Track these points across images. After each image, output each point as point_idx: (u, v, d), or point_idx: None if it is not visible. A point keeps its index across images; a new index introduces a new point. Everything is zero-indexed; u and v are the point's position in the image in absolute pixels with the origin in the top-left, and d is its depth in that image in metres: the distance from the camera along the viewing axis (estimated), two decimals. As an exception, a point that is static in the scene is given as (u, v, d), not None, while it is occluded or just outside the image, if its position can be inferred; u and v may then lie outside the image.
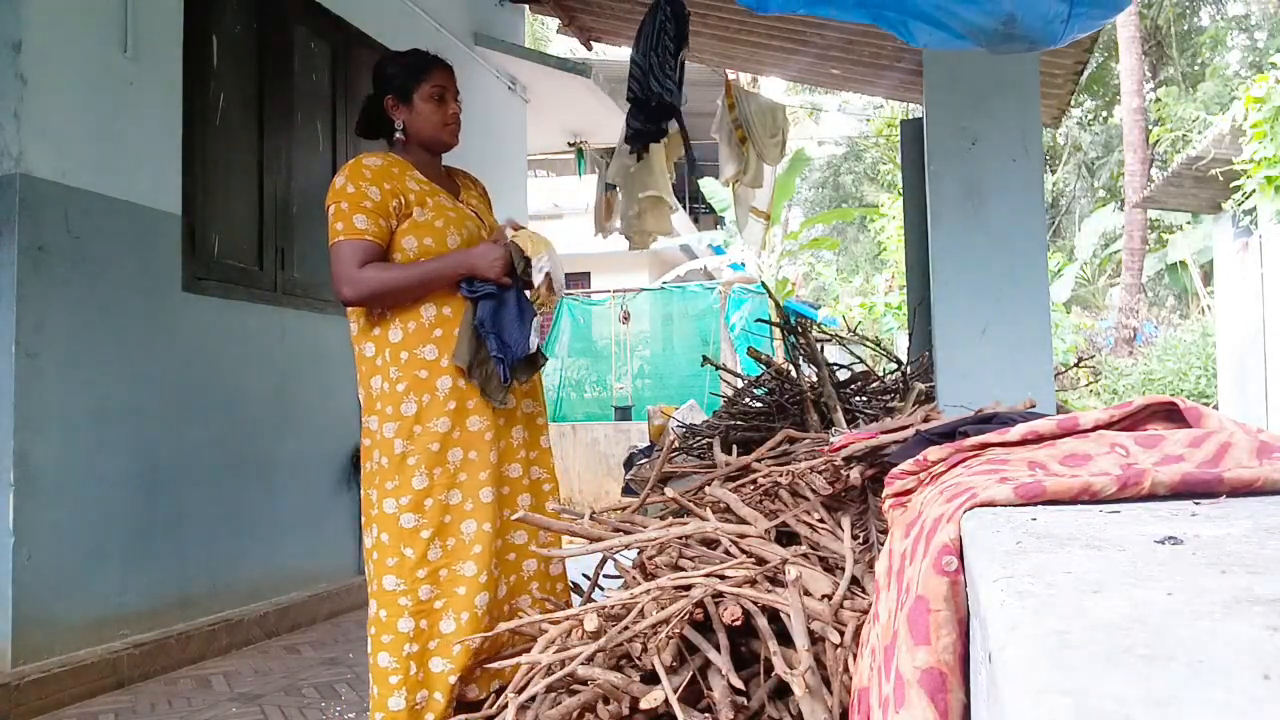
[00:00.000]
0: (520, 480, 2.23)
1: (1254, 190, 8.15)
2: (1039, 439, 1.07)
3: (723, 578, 1.39)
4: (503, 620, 2.14)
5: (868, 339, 4.43)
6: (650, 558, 1.64)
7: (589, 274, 14.76)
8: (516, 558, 2.23)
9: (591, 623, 1.36)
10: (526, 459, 2.27)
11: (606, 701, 1.38)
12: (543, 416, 2.36)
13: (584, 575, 2.09)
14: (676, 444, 3.29)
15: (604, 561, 1.82)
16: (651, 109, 3.77)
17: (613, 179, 5.25)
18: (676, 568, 1.59)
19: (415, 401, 2.07)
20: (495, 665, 1.59)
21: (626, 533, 1.75)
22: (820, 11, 1.89)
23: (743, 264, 13.15)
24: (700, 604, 1.34)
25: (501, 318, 2.12)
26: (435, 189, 2.21)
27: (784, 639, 1.33)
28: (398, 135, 2.25)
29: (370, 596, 2.12)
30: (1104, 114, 21.08)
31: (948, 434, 1.40)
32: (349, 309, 2.17)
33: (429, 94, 2.22)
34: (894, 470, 1.24)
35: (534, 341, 2.15)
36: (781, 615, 1.33)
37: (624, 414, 9.48)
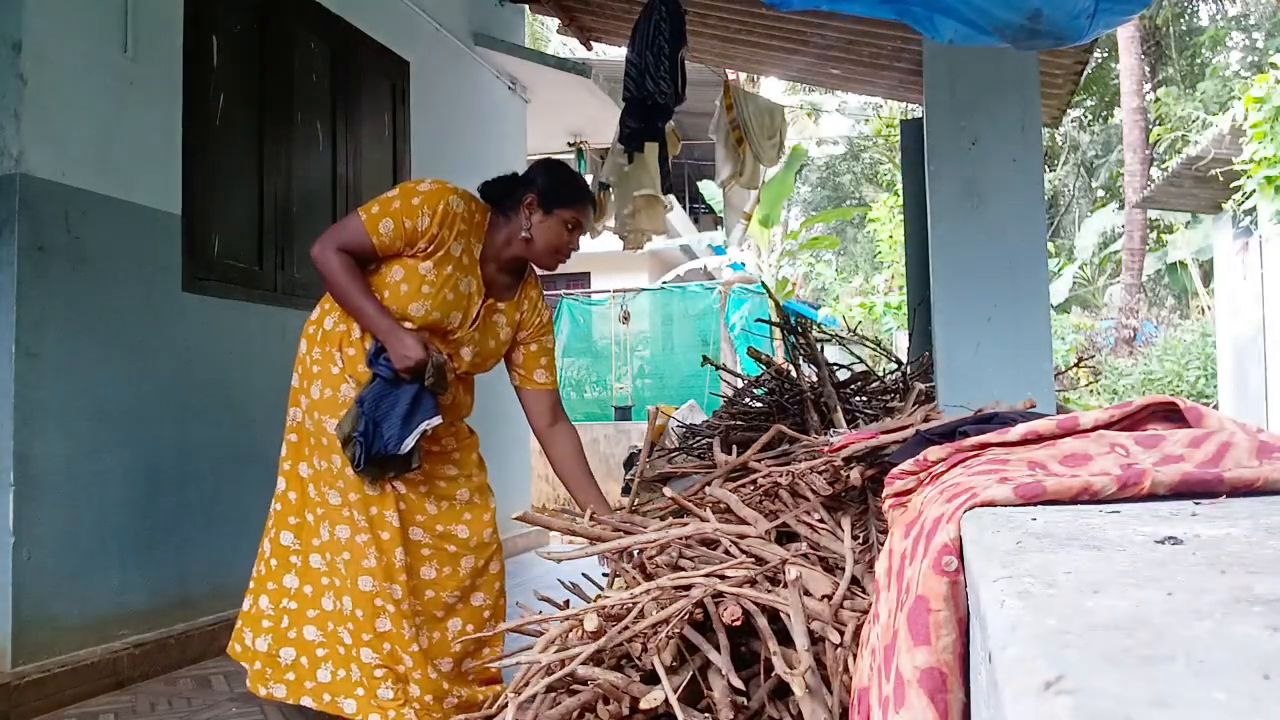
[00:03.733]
0: (419, 546, 2.19)
1: (1254, 190, 8.16)
2: (1039, 439, 1.07)
3: (723, 578, 1.39)
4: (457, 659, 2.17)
5: (868, 339, 4.43)
6: (650, 558, 1.64)
7: (589, 274, 14.77)
8: (444, 615, 2.22)
9: (591, 623, 1.36)
10: (431, 521, 2.23)
11: (606, 701, 1.38)
12: (461, 481, 2.31)
13: (584, 575, 2.09)
14: (658, 442, 3.29)
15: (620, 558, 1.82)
16: (647, 108, 3.77)
17: (607, 178, 5.25)
18: (676, 568, 1.59)
19: (319, 388, 2.16)
20: (495, 665, 1.59)
21: (627, 533, 1.75)
22: (845, 8, 1.88)
23: (743, 264, 13.16)
24: (700, 604, 1.34)
25: (387, 407, 2.06)
26: (473, 271, 2.19)
27: (784, 639, 1.33)
28: (524, 236, 2.22)
29: (264, 537, 2.29)
30: (1104, 114, 21.08)
31: (948, 434, 1.39)
32: (319, 303, 2.27)
33: (566, 219, 2.24)
34: (894, 470, 1.24)
35: (408, 445, 2.06)
36: (781, 615, 1.33)
37: (624, 414, 9.48)
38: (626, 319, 10.74)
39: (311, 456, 2.15)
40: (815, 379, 3.05)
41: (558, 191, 2.23)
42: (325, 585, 2.12)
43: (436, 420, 2.10)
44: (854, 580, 1.45)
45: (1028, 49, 1.98)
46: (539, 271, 2.39)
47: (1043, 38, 1.79)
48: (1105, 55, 18.01)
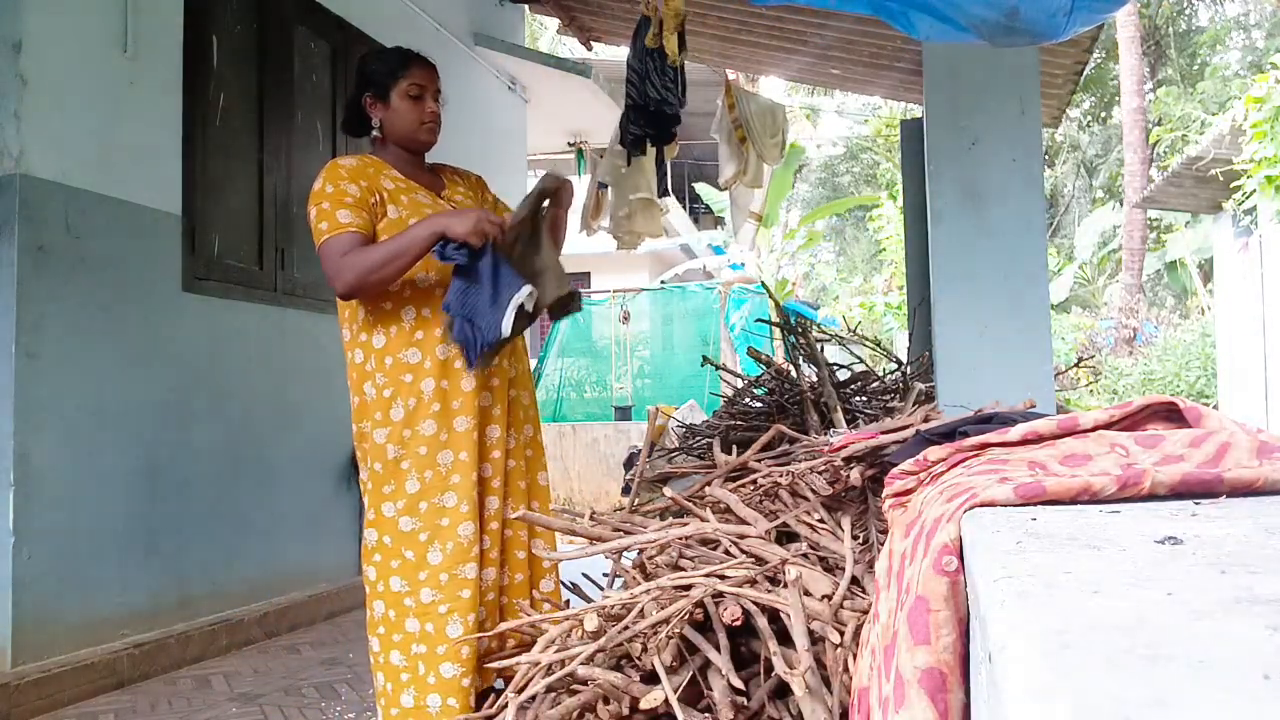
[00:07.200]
0: (490, 480, 2.17)
1: (1254, 190, 8.16)
2: (1039, 439, 1.07)
3: (723, 578, 1.39)
4: (491, 610, 2.16)
5: (868, 339, 4.43)
6: (650, 558, 1.64)
7: (589, 274, 14.77)
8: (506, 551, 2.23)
9: (591, 623, 1.36)
10: (510, 459, 2.23)
11: (606, 701, 1.38)
12: (532, 404, 2.34)
13: (584, 575, 2.09)
14: (658, 442, 3.29)
15: (617, 560, 1.82)
16: (650, 114, 3.76)
17: (604, 178, 5.25)
18: (676, 568, 1.59)
19: (403, 406, 2.07)
20: (495, 665, 1.59)
21: (627, 533, 1.75)
22: (820, 3, 1.88)
23: (743, 264, 13.17)
24: (700, 604, 1.34)
25: (473, 300, 1.98)
26: (412, 186, 2.18)
27: (784, 639, 1.33)
28: (375, 134, 2.22)
29: (375, 598, 2.12)
30: (1103, 114, 21.09)
31: (948, 434, 1.39)
32: (340, 316, 2.18)
33: (405, 92, 2.18)
34: (894, 470, 1.24)
35: (507, 326, 1.96)
36: (781, 615, 1.33)
37: (624, 414, 9.48)
38: (626, 319, 10.74)
39: (405, 481, 2.07)
40: (815, 379, 3.06)
41: (381, 74, 2.19)
42: (444, 614, 2.05)
43: (527, 289, 2.01)
44: (854, 580, 1.45)
45: (1004, 46, 1.97)
46: (430, 157, 2.36)
47: (1019, 35, 1.79)
48: (1105, 55, 18.00)
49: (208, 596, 3.47)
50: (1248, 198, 8.43)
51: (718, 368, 3.81)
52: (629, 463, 6.92)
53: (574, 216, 5.88)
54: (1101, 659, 0.45)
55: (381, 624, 2.10)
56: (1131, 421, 1.09)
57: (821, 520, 1.71)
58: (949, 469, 1.11)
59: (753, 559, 1.50)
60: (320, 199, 2.07)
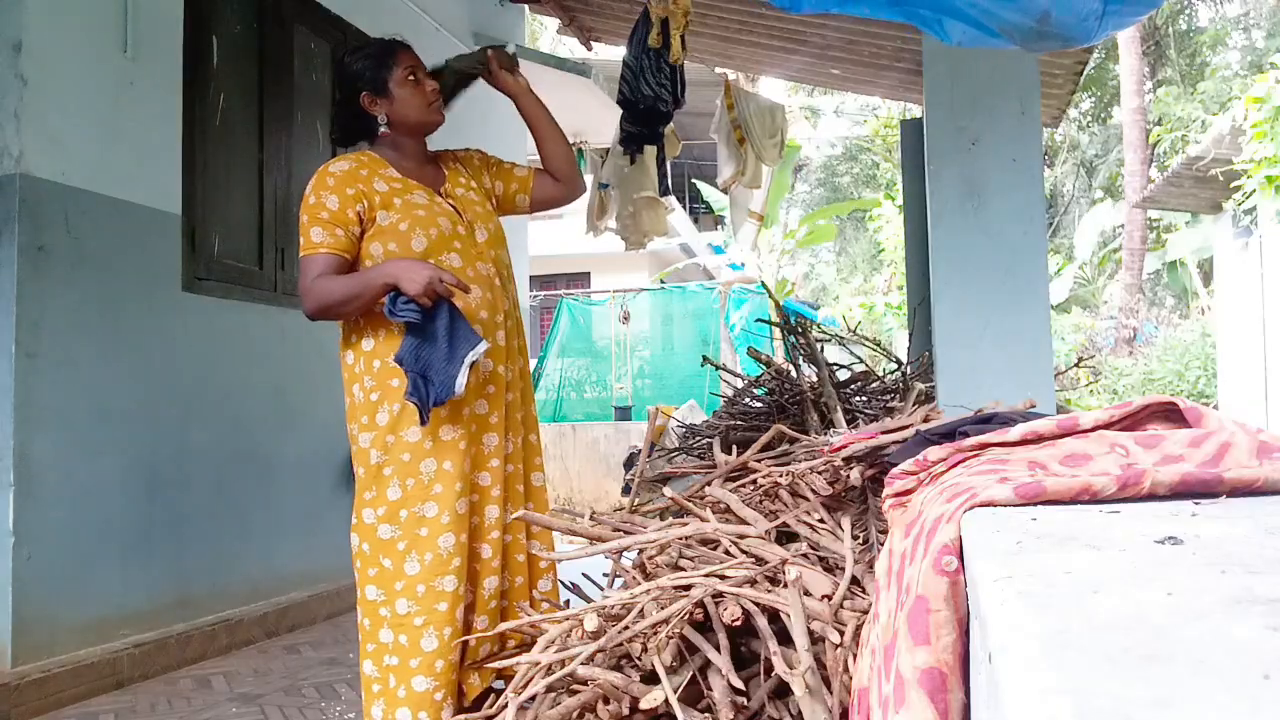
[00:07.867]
0: (489, 489, 2.15)
1: (1254, 190, 8.16)
2: (1039, 439, 1.07)
3: (723, 578, 1.39)
4: (493, 616, 2.15)
5: (868, 339, 4.43)
6: (650, 558, 1.64)
7: (589, 274, 14.78)
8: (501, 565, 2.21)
9: (591, 623, 1.36)
10: (509, 464, 2.21)
11: (606, 701, 1.38)
12: (529, 407, 2.32)
13: (584, 575, 2.09)
14: (658, 442, 3.29)
15: (617, 559, 1.82)
16: (642, 111, 3.76)
17: (607, 179, 5.25)
18: (676, 568, 1.59)
19: (388, 410, 2.04)
20: (495, 665, 1.59)
21: (627, 533, 1.75)
22: (853, 10, 1.88)
23: (742, 264, 13.18)
24: (700, 604, 1.34)
25: (428, 354, 1.95)
26: (409, 185, 2.14)
27: (784, 639, 1.33)
28: (382, 130, 2.19)
29: (356, 604, 2.12)
30: (1103, 114, 21.09)
31: (948, 434, 1.40)
32: (341, 346, 2.18)
33: (402, 79, 2.17)
34: (894, 470, 1.24)
35: (461, 383, 1.92)
36: (781, 615, 1.33)
37: (624, 414, 9.49)
38: (626, 319, 10.75)
39: (386, 488, 2.07)
40: (815, 379, 3.06)
41: (372, 69, 2.17)
42: (419, 627, 2.02)
43: (483, 347, 1.98)
44: (854, 580, 1.45)
45: (1036, 50, 1.98)
46: (438, 140, 2.37)
47: (1051, 39, 1.79)
48: (1105, 55, 17.99)
49: (208, 596, 3.47)
50: (1248, 198, 8.43)
51: (718, 368, 3.81)
52: (629, 463, 6.92)
53: (579, 218, 5.78)
54: (1102, 659, 0.45)
55: (359, 631, 2.10)
56: (1132, 421, 1.09)
57: (821, 520, 1.71)
58: (949, 469, 1.11)
59: (753, 559, 1.50)
60: (303, 209, 2.06)
